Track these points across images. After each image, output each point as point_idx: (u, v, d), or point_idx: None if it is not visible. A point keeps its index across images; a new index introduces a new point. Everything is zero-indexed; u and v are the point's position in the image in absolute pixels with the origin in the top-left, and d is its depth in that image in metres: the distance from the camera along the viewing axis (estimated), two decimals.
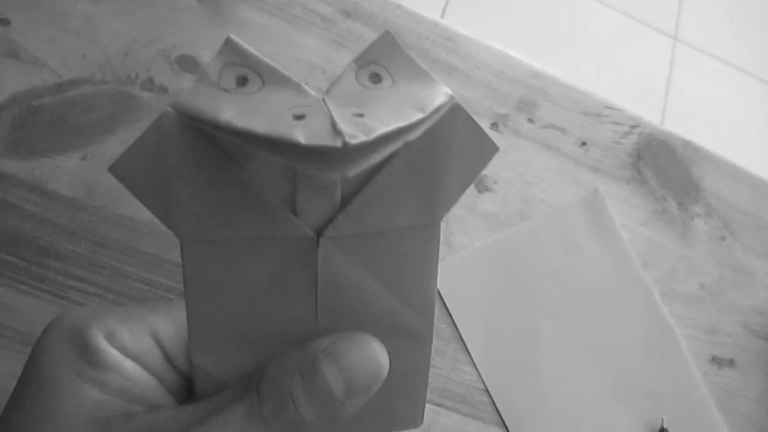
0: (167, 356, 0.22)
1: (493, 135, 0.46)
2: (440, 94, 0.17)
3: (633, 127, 0.49)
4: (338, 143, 0.14)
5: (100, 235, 0.37)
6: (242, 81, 0.17)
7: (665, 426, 0.41)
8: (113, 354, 0.21)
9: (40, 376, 0.20)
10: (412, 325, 0.21)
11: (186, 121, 0.17)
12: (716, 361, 0.45)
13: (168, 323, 0.22)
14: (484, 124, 0.46)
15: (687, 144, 0.50)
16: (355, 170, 0.15)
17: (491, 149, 0.20)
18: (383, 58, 0.19)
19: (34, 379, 0.20)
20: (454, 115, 0.19)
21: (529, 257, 0.43)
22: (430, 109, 0.16)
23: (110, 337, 0.21)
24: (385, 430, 0.23)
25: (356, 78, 0.19)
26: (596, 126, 0.48)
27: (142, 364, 0.21)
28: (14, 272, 0.35)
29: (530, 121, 0.47)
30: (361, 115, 0.16)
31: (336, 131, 0.14)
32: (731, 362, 0.45)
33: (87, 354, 0.20)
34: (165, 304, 0.23)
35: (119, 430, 0.19)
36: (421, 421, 0.23)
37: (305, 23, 0.44)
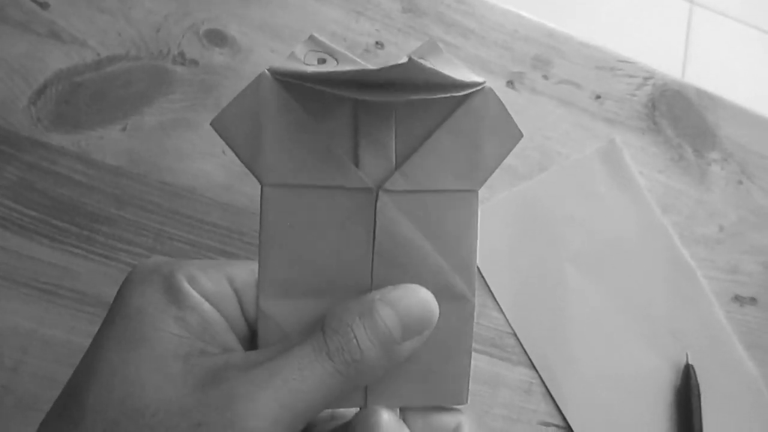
0: (241, 304, 0.23)
1: (509, 93, 0.47)
2: (475, 77, 0.22)
3: (647, 78, 0.50)
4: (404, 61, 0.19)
5: (144, 200, 0.39)
6: (321, 61, 0.23)
7: (690, 362, 0.43)
8: (194, 295, 0.22)
9: (128, 309, 0.21)
10: (456, 288, 0.23)
11: (279, 78, 0.21)
12: (738, 299, 0.46)
13: (244, 273, 0.24)
14: (500, 83, 0.47)
15: (701, 93, 0.51)
16: (417, 71, 0.20)
17: (516, 134, 0.23)
18: (430, 56, 0.23)
19: (122, 311, 0.21)
20: (487, 96, 0.23)
21: (550, 205, 0.45)
22: (468, 80, 0.22)
23: (191, 281, 0.22)
24: (430, 403, 0.24)
25: None
26: (610, 79, 0.49)
27: (219, 308, 0.22)
28: (67, 237, 0.38)
29: (545, 77, 0.48)
30: None
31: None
32: (753, 300, 0.46)
33: (171, 293, 0.21)
34: (241, 260, 0.25)
35: (196, 365, 0.20)
36: (466, 399, 0.24)
37: None
